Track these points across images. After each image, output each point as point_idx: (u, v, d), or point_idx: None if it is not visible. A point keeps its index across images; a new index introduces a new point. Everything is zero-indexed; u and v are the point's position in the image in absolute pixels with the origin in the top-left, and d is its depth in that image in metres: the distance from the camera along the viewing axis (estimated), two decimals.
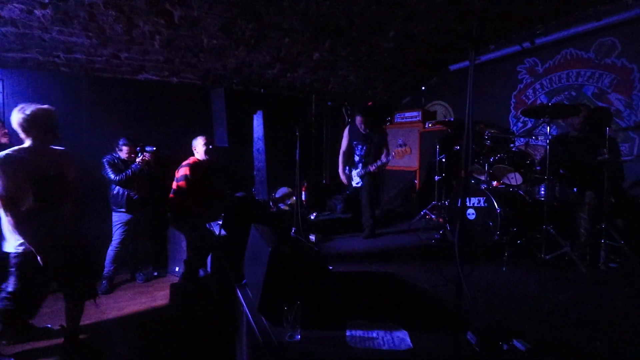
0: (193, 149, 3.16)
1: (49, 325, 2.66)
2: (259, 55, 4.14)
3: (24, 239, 1.95)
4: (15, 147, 1.98)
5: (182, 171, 2.93)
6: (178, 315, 2.87)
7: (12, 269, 2.04)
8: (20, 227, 1.91)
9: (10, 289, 2.06)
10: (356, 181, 3.79)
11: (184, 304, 2.87)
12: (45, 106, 2.05)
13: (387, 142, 3.73)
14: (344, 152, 3.97)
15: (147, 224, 3.78)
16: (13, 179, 1.85)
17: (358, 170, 3.76)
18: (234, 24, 3.49)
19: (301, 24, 3.65)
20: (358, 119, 3.71)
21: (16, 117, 1.96)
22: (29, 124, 1.96)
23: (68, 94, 3.79)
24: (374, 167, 3.59)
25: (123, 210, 3.48)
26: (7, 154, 1.88)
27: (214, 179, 3.33)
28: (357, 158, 3.82)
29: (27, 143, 2.02)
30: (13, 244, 2.00)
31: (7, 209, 1.87)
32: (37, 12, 2.93)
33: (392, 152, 3.51)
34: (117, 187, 3.46)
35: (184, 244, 3.81)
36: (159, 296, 3.38)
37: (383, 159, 3.58)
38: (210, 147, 3.14)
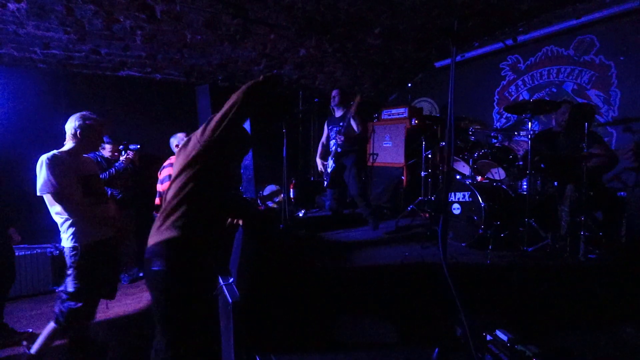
0: (175, 148, 2.99)
1: (30, 330, 2.58)
2: (244, 51, 4.09)
3: (79, 230, 2.01)
4: (58, 150, 2.04)
5: (166, 172, 2.83)
6: None
7: (70, 268, 2.01)
8: (75, 216, 1.99)
9: (70, 289, 2.00)
10: (330, 165, 3.61)
11: None
12: (101, 118, 2.20)
13: (358, 117, 3.44)
14: (322, 143, 3.86)
15: (131, 223, 3.70)
16: (61, 175, 1.94)
17: (332, 154, 3.59)
18: (218, 19, 3.44)
19: (287, 19, 3.63)
20: (334, 92, 3.56)
21: (73, 124, 2.08)
22: (83, 132, 2.09)
23: (46, 91, 3.67)
24: (341, 137, 3.39)
25: None
26: (54, 155, 1.97)
27: None
28: (332, 142, 3.62)
29: (68, 146, 2.09)
30: (68, 239, 2.01)
31: (61, 202, 1.94)
32: (11, 5, 2.82)
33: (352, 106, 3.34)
34: None
35: None
36: (144, 297, 3.32)
37: (354, 128, 3.39)
38: None
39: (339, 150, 3.48)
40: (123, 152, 3.44)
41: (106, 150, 3.49)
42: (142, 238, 3.83)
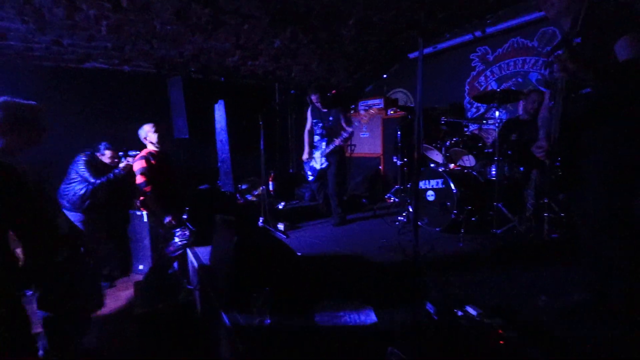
0: (144, 140, 2.92)
1: None
2: (217, 42, 4.00)
3: None
4: None
5: (138, 165, 2.77)
6: (145, 314, 2.78)
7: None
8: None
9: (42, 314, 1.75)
10: (320, 162, 3.66)
11: (150, 301, 2.78)
12: (29, 102, 1.67)
13: (347, 115, 3.64)
14: (308, 131, 3.87)
15: (104, 223, 3.59)
16: None
17: (321, 149, 3.64)
18: (188, 8, 3.34)
19: (260, 9, 3.58)
20: (314, 98, 3.62)
21: None
22: (10, 123, 1.55)
23: (3, 85, 3.45)
24: (338, 141, 3.50)
25: (79, 211, 3.27)
26: None
27: (173, 172, 3.15)
28: (317, 138, 3.71)
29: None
30: None
31: None
32: None
33: (360, 118, 3.49)
34: (86, 188, 3.24)
35: (146, 241, 3.67)
36: (122, 296, 3.25)
37: (344, 134, 3.50)
38: (161, 133, 2.90)
39: (336, 145, 3.53)
40: (123, 159, 3.37)
41: (105, 157, 3.41)
42: (116, 237, 3.75)
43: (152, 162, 2.77)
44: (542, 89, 3.95)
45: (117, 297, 3.25)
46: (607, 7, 1.39)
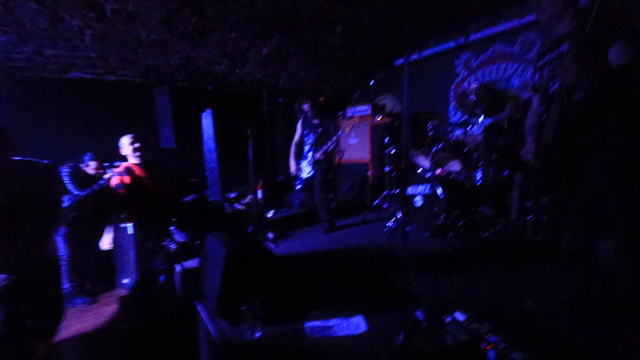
0: (122, 152, 2.84)
1: None
2: (204, 51, 4.00)
3: None
4: None
5: (113, 181, 2.71)
6: (130, 329, 2.71)
7: None
8: None
9: None
10: (307, 171, 3.68)
11: (136, 316, 2.72)
12: None
13: (337, 125, 3.65)
14: (296, 143, 3.84)
15: (89, 236, 3.50)
16: None
17: (308, 159, 3.66)
18: (174, 17, 3.33)
19: (247, 18, 3.59)
20: (306, 107, 3.62)
21: None
22: None
23: None
24: (322, 151, 3.51)
25: (63, 223, 3.19)
26: None
27: (159, 183, 3.06)
28: (306, 148, 3.71)
29: None
30: None
31: None
32: None
33: (343, 127, 3.51)
34: (70, 200, 3.16)
35: (131, 254, 3.59)
36: (106, 312, 3.16)
37: (328, 143, 3.51)
38: (139, 145, 2.79)
39: (319, 154, 3.55)
40: (108, 170, 3.31)
41: (90, 168, 3.35)
42: (98, 250, 3.65)
43: (127, 179, 2.68)
44: (527, 94, 4.05)
45: (99, 313, 3.15)
46: (602, 13, 1.40)
